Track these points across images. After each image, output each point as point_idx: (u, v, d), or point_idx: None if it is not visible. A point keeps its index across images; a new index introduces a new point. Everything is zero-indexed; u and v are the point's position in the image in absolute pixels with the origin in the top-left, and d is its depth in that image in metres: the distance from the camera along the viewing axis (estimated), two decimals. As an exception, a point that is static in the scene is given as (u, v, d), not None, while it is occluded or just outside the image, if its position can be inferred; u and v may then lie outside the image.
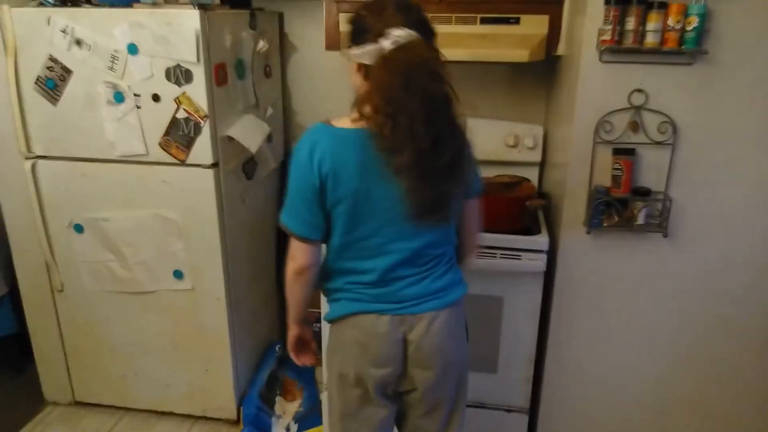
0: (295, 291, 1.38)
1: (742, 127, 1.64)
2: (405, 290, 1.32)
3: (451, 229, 1.36)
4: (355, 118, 1.22)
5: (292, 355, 1.53)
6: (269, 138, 2.26)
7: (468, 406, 2.06)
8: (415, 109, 1.13)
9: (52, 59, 1.89)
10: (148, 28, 1.80)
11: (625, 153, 1.67)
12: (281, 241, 2.25)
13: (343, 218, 1.26)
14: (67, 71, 1.90)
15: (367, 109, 1.19)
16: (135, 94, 1.88)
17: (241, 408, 2.19)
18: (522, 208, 1.91)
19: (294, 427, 2.20)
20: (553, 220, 1.99)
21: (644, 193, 1.70)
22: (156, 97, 1.87)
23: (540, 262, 1.86)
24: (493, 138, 2.29)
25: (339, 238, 1.30)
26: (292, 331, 1.48)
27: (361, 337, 1.34)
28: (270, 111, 2.34)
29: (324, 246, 1.36)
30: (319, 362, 1.62)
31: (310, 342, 1.54)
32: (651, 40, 1.57)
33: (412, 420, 1.46)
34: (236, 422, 2.25)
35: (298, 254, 1.32)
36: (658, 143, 1.68)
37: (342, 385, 1.41)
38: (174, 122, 1.89)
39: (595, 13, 1.60)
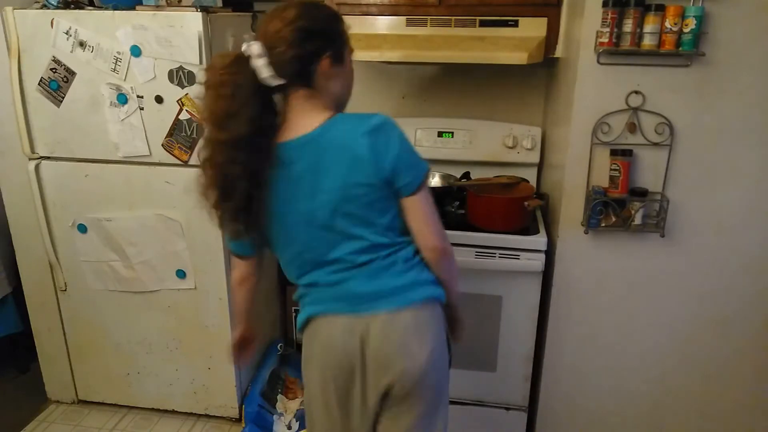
0: (233, 295, 1.51)
1: (738, 128, 1.65)
2: (355, 288, 1.27)
3: (377, 229, 1.26)
4: None
5: (231, 352, 1.55)
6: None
7: (467, 404, 2.11)
8: None
9: (56, 61, 1.91)
10: (151, 31, 1.82)
11: (622, 154, 1.69)
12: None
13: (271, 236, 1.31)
14: (70, 73, 1.92)
15: None
16: (138, 96, 1.90)
17: (243, 406, 2.21)
18: (520, 208, 1.92)
19: (295, 425, 2.22)
20: (551, 220, 2.01)
21: (641, 194, 1.72)
22: (159, 99, 1.89)
23: (538, 262, 1.88)
24: (492, 139, 2.31)
25: (279, 256, 1.35)
26: (234, 332, 1.53)
27: (321, 342, 1.31)
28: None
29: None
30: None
31: (251, 342, 1.55)
32: (648, 42, 1.59)
33: (382, 425, 1.35)
34: (238, 420, 2.27)
35: (234, 266, 1.44)
36: (656, 144, 1.69)
37: (309, 396, 1.38)
38: (177, 123, 1.91)
39: (593, 16, 1.62)
